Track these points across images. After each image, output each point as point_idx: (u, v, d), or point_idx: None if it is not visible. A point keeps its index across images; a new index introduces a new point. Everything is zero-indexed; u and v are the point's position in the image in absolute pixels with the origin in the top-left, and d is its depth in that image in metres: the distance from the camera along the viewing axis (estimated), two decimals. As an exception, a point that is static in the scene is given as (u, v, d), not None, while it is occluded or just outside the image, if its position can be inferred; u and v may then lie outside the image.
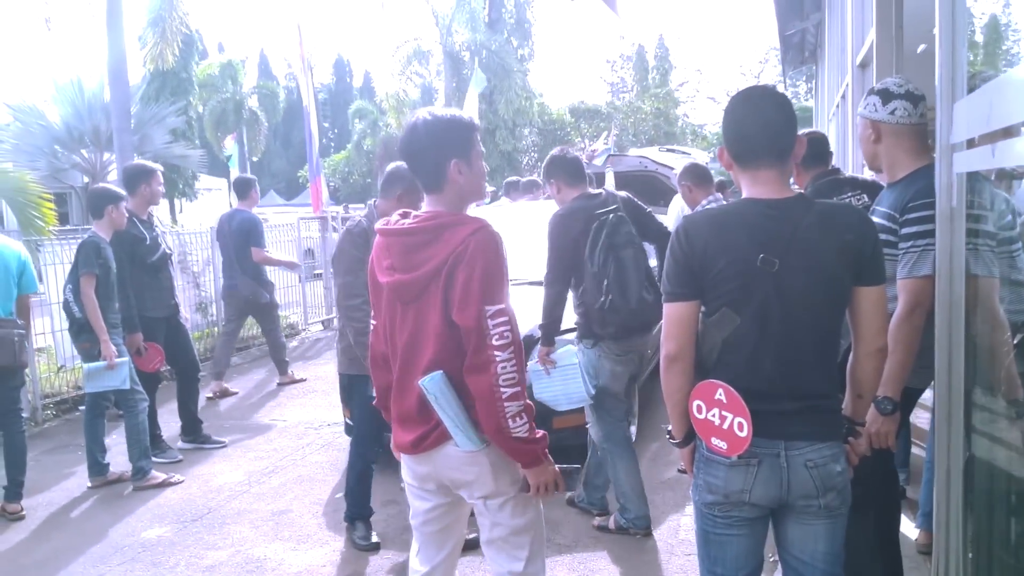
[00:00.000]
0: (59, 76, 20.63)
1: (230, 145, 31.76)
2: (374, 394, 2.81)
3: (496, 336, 2.31)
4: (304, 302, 11.94)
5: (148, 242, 5.89)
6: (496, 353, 2.31)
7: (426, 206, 2.50)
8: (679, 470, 5.35)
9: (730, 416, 2.20)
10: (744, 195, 2.32)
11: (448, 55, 30.76)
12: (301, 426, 6.88)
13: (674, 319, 2.29)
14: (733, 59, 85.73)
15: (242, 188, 8.24)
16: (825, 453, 2.22)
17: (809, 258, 2.18)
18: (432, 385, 2.38)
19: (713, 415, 2.24)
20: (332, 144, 53.46)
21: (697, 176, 5.84)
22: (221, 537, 4.67)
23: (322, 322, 12.25)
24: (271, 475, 5.69)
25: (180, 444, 6.28)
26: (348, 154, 42.04)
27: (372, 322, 2.70)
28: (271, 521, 4.88)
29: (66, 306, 5.45)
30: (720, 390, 2.22)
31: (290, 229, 12.35)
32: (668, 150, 12.81)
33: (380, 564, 4.26)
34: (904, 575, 3.34)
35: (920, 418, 4.52)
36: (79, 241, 5.55)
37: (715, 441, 2.24)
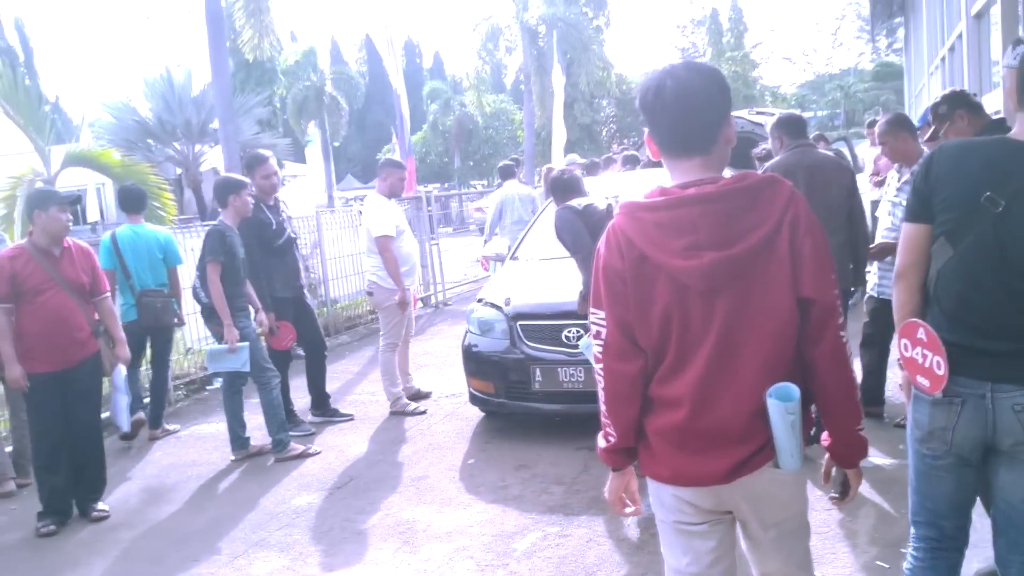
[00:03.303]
0: (148, 71, 21.33)
1: (312, 131, 32.41)
2: None
3: (839, 313, 2.00)
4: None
5: (274, 227, 6.12)
6: (842, 333, 2.01)
7: (680, 175, 2.05)
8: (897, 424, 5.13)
9: (930, 355, 2.27)
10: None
11: (525, 30, 30.79)
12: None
13: (904, 237, 2.39)
14: (808, 16, 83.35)
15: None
16: None
17: None
18: (794, 405, 1.93)
19: (916, 353, 2.32)
20: (406, 126, 53.87)
21: (907, 127, 5.64)
22: (368, 502, 4.89)
23: (420, 299, 12.47)
24: (401, 444, 5.90)
25: (311, 418, 6.54)
26: (424, 135, 42.44)
27: (597, 344, 2.13)
28: (412, 487, 5.08)
29: (194, 292, 5.80)
30: (921, 329, 2.29)
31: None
32: (758, 112, 12.74)
33: (523, 523, 4.40)
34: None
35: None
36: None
37: (920, 379, 2.32)
